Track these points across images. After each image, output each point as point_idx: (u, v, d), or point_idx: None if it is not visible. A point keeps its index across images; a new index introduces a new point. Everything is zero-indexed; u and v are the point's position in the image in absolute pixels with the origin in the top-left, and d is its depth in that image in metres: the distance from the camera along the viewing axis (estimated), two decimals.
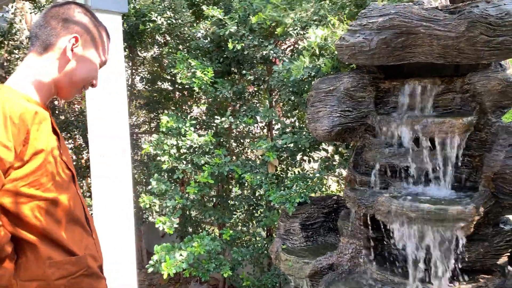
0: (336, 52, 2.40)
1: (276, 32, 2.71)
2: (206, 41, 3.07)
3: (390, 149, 2.31)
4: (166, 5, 3.01)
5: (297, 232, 2.75)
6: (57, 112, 4.69)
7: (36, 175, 1.16)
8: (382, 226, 2.19)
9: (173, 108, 3.88)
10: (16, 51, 5.15)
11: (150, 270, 2.82)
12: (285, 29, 2.74)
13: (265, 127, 3.54)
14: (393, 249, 2.28)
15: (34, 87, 1.23)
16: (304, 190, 2.81)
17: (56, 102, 4.74)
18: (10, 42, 5.04)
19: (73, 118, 4.73)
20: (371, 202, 2.20)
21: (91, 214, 1.44)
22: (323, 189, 3.45)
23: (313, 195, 3.00)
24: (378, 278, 2.22)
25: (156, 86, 4.10)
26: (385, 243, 2.37)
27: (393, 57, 2.17)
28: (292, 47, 3.35)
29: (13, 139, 1.09)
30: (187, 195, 3.17)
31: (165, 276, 2.75)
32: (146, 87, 4.20)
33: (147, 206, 3.01)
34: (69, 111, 5.11)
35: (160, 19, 3.05)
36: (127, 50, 4.38)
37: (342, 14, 2.60)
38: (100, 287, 1.33)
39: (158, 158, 3.00)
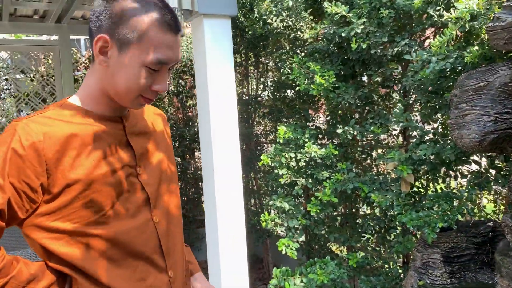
0: (486, 37, 1.85)
1: (412, 17, 2.22)
2: (325, 43, 2.71)
3: None
4: (282, 6, 2.73)
5: (438, 266, 2.22)
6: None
7: (73, 207, 0.98)
8: None
9: (297, 116, 3.59)
10: None
11: None
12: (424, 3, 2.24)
13: (400, 135, 3.02)
14: None
15: (91, 99, 1.06)
16: (449, 213, 2.26)
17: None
18: None
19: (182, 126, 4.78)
20: None
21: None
22: (475, 211, 2.81)
23: (460, 219, 2.41)
24: None
25: (279, 94, 3.88)
26: None
27: None
28: (431, 38, 2.81)
29: (16, 173, 0.92)
30: (311, 214, 2.84)
31: None
32: (270, 95, 4.00)
33: (269, 225, 2.76)
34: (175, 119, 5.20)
35: (275, 21, 2.79)
36: (251, 57, 4.26)
37: None
38: None
39: (276, 171, 2.73)
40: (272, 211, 2.81)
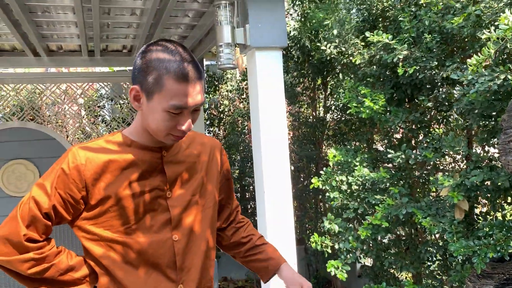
0: None
1: (458, 45, 2.20)
2: (374, 68, 2.75)
3: None
4: (335, 33, 2.83)
5: None
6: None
7: (106, 217, 1.23)
8: None
9: (358, 139, 3.61)
10: (230, 94, 5.76)
11: None
12: (469, 21, 2.20)
13: (459, 160, 2.92)
14: None
15: (136, 132, 1.29)
16: (502, 243, 2.15)
17: None
18: (223, 86, 5.67)
19: None
20: None
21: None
22: None
23: None
24: None
25: (343, 117, 3.92)
26: None
27: None
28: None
29: (62, 186, 1.20)
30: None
31: None
32: (335, 118, 4.06)
33: (319, 247, 2.81)
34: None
35: (329, 48, 2.89)
36: (319, 80, 4.35)
37: None
38: None
39: (327, 194, 2.79)
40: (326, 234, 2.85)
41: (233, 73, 5.69)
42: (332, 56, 2.91)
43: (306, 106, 4.62)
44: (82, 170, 1.21)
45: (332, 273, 2.71)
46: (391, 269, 3.53)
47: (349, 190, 2.81)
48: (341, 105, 4.02)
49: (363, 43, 2.85)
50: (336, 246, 2.80)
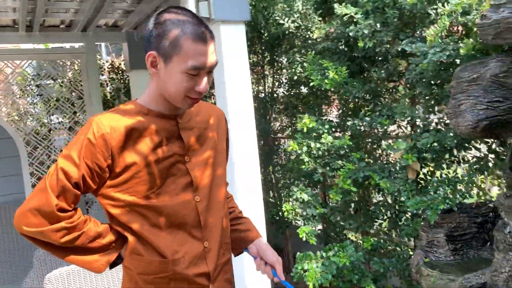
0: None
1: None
2: (333, 41, 2.92)
3: None
4: (294, 8, 2.95)
5: (442, 244, 2.41)
6: None
7: (130, 184, 1.27)
8: None
9: (311, 111, 3.80)
10: None
11: (296, 278, 2.77)
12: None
13: (407, 126, 3.21)
14: None
15: (152, 100, 1.33)
16: (451, 196, 2.45)
17: None
18: None
19: None
20: None
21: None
22: (480, 195, 2.98)
23: (464, 201, 2.60)
24: None
25: (293, 91, 4.09)
26: None
27: None
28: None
29: (89, 156, 1.23)
30: (327, 203, 3.05)
31: (310, 287, 2.68)
32: (285, 92, 4.22)
33: (290, 215, 2.97)
34: None
35: (287, 22, 3.01)
36: (268, 57, 4.47)
37: None
38: None
39: (301, 157, 2.91)
40: (291, 202, 3.02)
41: None
42: (290, 30, 3.03)
43: (255, 82, 4.73)
44: (108, 139, 1.23)
45: (304, 238, 2.89)
46: (345, 230, 3.82)
47: (316, 156, 2.98)
48: (291, 79, 4.19)
49: (320, 18, 3.01)
50: (305, 213, 2.99)
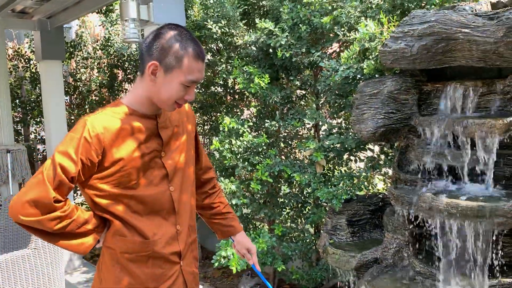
0: (379, 56, 2.54)
1: (323, 28, 2.84)
2: (255, 49, 3.28)
3: (433, 149, 2.42)
4: (220, 14, 3.24)
5: (343, 228, 2.90)
6: None
7: (116, 177, 1.45)
8: (424, 222, 2.31)
9: (225, 111, 4.12)
10: (84, 61, 5.61)
11: (216, 265, 3.04)
12: (333, 21, 2.89)
13: (312, 128, 3.70)
14: (434, 244, 2.39)
15: (137, 102, 1.51)
16: (350, 188, 2.95)
17: None
18: (79, 53, 5.49)
19: None
20: (414, 199, 2.33)
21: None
22: (370, 187, 3.58)
23: (360, 193, 3.13)
24: (421, 271, 2.34)
25: (209, 91, 4.37)
26: (427, 238, 2.49)
27: (434, 61, 2.28)
28: (338, 50, 3.50)
29: (85, 153, 1.39)
30: (245, 194, 3.39)
31: (234, 271, 2.98)
32: (201, 91, 4.48)
33: None
34: None
35: (215, 27, 3.29)
36: None
37: (391, 16, 2.73)
38: (166, 269, 1.57)
39: (224, 154, 3.20)
40: None
41: (86, 40, 5.54)
42: (217, 35, 3.32)
43: None
44: (101, 138, 1.40)
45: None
46: (257, 217, 4.21)
47: (237, 152, 3.31)
48: (207, 79, 4.47)
49: (245, 26, 3.35)
50: (234, 202, 3.29)
